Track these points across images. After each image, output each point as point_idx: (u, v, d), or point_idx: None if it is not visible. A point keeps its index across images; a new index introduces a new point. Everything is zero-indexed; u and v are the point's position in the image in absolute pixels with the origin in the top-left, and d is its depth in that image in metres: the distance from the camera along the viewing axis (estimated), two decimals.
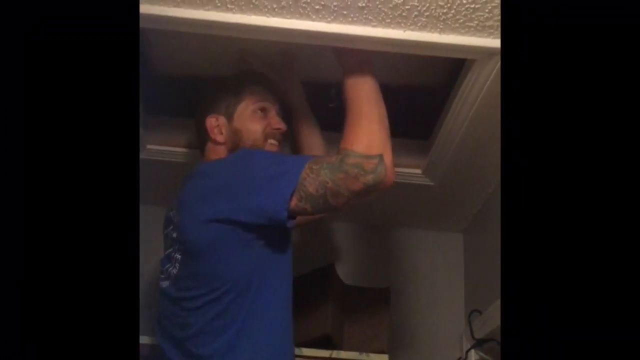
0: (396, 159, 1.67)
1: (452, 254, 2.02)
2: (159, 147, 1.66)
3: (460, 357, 1.82)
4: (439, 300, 1.95)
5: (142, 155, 1.62)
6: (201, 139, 1.37)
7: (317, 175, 1.16)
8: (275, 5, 1.12)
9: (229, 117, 1.34)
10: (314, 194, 1.16)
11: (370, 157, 1.15)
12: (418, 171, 1.72)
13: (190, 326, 1.23)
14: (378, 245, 2.00)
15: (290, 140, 1.53)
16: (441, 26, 1.16)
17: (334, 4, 1.12)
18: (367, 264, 1.96)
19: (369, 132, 1.18)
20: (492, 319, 1.61)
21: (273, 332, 1.25)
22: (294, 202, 1.17)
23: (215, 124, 1.33)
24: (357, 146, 1.16)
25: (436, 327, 1.90)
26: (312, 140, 1.51)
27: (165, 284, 1.29)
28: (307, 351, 1.55)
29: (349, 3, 1.12)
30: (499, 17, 1.13)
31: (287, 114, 1.46)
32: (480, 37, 1.18)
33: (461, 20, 1.15)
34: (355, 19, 1.15)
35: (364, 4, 1.12)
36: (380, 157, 1.15)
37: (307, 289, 1.62)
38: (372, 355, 1.57)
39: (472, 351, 1.78)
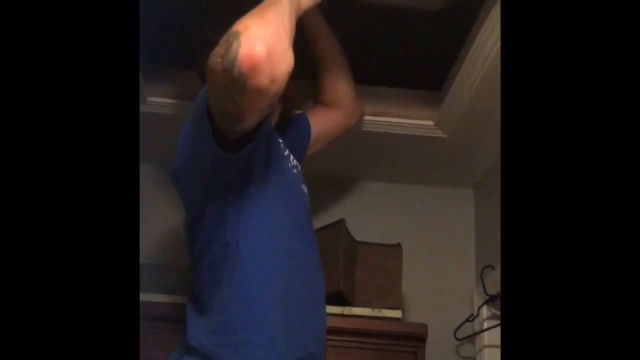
0: (407, 110, 1.67)
1: (463, 209, 1.98)
2: (161, 99, 1.60)
3: (472, 314, 1.80)
4: (450, 256, 1.92)
5: (142, 109, 1.56)
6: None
7: (207, 88, 1.02)
8: None
9: None
10: (212, 106, 1.02)
11: (224, 40, 0.93)
12: (430, 123, 1.67)
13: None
14: (388, 202, 1.96)
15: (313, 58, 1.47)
16: None
17: None
18: (378, 221, 1.92)
19: (244, 17, 0.96)
20: None
21: (251, 287, 1.12)
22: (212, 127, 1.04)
23: None
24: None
25: (447, 284, 1.88)
26: (335, 55, 1.46)
27: None
28: None
29: None
30: None
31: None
32: None
33: None
34: None
35: None
36: (235, 33, 0.91)
37: (317, 245, 1.59)
38: (384, 311, 1.54)
39: (484, 307, 1.75)
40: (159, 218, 1.77)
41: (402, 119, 1.65)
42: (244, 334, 1.10)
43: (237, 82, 0.93)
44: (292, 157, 1.31)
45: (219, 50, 0.94)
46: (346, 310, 1.53)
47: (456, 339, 1.79)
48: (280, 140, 1.27)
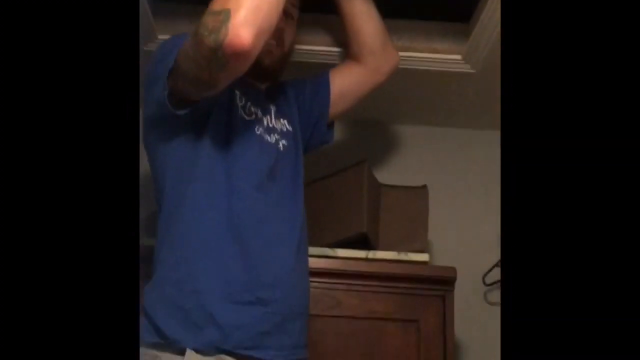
0: (433, 44, 1.57)
1: (491, 152, 1.89)
2: None
3: (499, 260, 1.74)
4: (478, 200, 1.85)
5: (153, 47, 1.48)
6: None
7: (185, 47, 1.04)
8: None
9: None
10: (185, 70, 1.05)
11: (215, 14, 0.97)
12: (457, 57, 1.57)
13: None
14: (413, 145, 1.89)
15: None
16: None
17: None
18: (403, 164, 1.86)
19: None
20: None
21: (189, 249, 1.13)
22: (171, 83, 1.07)
23: None
24: (213, 4, 1.00)
25: (475, 229, 1.82)
26: (359, 6, 1.37)
27: None
28: (341, 252, 1.47)
29: None
30: None
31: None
32: None
33: None
34: None
35: None
36: (227, 12, 0.96)
37: (340, 188, 1.53)
38: (410, 254, 1.48)
39: None
40: None
41: (427, 53, 1.56)
42: (164, 271, 1.13)
43: (219, 60, 0.99)
44: (253, 107, 1.26)
45: (208, 21, 0.97)
46: (370, 254, 1.48)
47: (484, 284, 1.74)
48: (237, 92, 1.23)
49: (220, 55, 0.98)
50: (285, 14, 1.24)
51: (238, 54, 0.98)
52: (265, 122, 1.27)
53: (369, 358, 1.42)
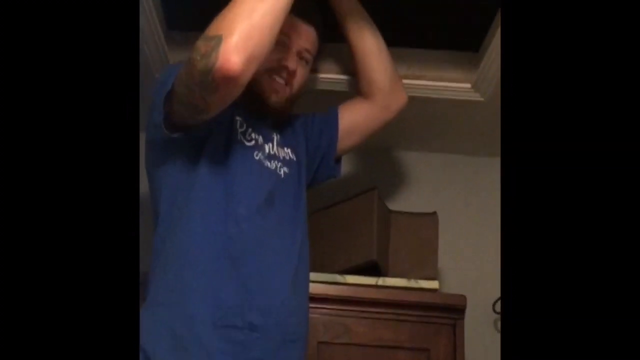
0: (443, 72, 1.58)
1: (498, 179, 1.89)
2: None
3: None
4: (487, 227, 1.82)
5: None
6: None
7: (180, 72, 1.07)
8: None
9: None
10: (179, 94, 1.07)
11: (208, 39, 1.00)
12: (467, 85, 1.58)
13: None
14: (423, 172, 1.88)
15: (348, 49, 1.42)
16: None
17: None
18: (413, 191, 1.85)
19: (223, 14, 1.03)
20: None
21: (174, 264, 1.13)
22: (168, 107, 1.09)
23: None
24: (207, 29, 1.03)
25: (485, 255, 1.80)
26: (369, 45, 1.38)
27: None
28: (351, 279, 1.46)
29: None
30: None
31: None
32: None
33: None
34: None
35: None
36: (219, 38, 0.99)
37: (350, 215, 1.53)
38: (421, 281, 1.47)
39: None
40: None
41: (437, 81, 1.57)
42: (157, 294, 1.13)
43: (210, 85, 1.01)
44: (254, 134, 1.26)
45: (201, 47, 1.00)
46: (380, 281, 1.47)
47: (495, 312, 1.72)
48: (238, 119, 1.24)
49: (211, 79, 1.00)
50: (300, 56, 1.27)
51: (228, 79, 1.00)
52: (266, 149, 1.27)
53: None
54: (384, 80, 1.40)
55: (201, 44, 1.01)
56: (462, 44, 1.55)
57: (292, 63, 1.24)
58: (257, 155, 1.24)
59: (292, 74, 1.25)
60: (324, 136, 1.41)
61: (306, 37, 1.28)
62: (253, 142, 1.26)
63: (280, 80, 1.24)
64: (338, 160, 1.46)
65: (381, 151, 1.87)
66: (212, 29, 1.01)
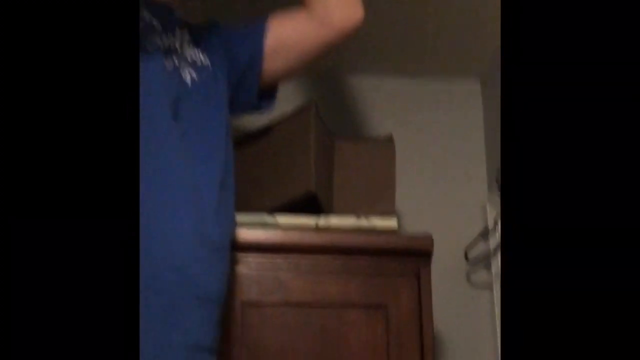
0: None
1: (470, 105, 1.71)
2: None
3: (485, 228, 1.54)
4: (456, 159, 1.66)
5: None
6: None
7: None
8: None
9: None
10: None
11: None
12: None
13: None
14: (381, 99, 1.68)
15: None
16: None
17: None
18: (369, 120, 1.64)
19: None
20: None
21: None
22: None
23: None
24: None
25: (454, 192, 1.63)
26: None
27: None
28: (283, 219, 1.16)
29: None
30: None
31: None
32: None
33: None
34: None
35: None
36: None
37: (280, 140, 1.23)
38: (374, 219, 1.18)
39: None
40: None
41: None
42: None
43: None
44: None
45: None
46: (321, 221, 1.17)
47: (467, 259, 1.53)
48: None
49: None
50: None
51: None
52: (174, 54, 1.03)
53: (323, 357, 1.14)
54: None
55: None
56: None
57: None
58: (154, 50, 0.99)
59: None
60: (244, 48, 1.13)
61: None
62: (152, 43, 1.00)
63: None
64: (271, 91, 1.18)
65: (330, 75, 1.64)
66: None
